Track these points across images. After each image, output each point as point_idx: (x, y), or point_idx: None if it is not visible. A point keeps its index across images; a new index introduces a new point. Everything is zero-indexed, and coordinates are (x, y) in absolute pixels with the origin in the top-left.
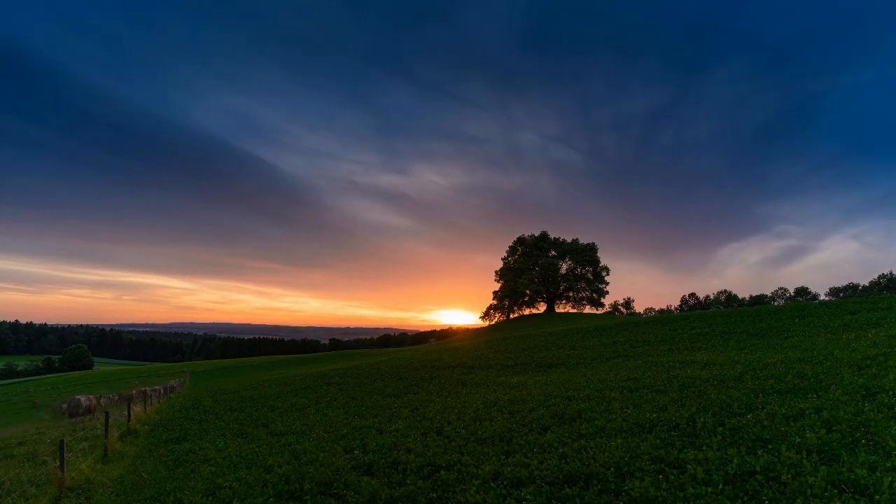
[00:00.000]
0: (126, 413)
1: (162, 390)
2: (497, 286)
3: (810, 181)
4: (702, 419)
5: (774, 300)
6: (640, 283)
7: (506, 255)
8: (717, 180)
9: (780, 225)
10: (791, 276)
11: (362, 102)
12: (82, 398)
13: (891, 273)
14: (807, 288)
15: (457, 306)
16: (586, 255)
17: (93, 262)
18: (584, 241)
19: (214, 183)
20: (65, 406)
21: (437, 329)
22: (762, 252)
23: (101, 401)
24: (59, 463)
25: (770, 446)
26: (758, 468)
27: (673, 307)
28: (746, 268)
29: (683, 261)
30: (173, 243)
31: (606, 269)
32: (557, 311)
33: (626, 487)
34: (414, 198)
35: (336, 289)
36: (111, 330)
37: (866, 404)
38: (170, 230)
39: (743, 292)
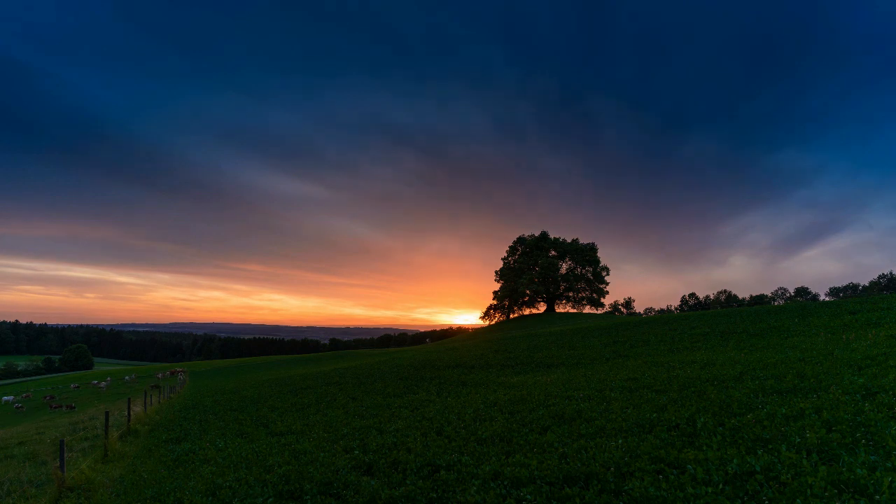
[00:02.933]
0: (126, 413)
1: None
2: (497, 286)
3: (850, 106)
4: (702, 419)
5: (774, 300)
6: (629, 275)
7: (506, 254)
8: (716, 107)
9: (801, 190)
10: (813, 267)
11: None
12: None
13: (891, 273)
14: (807, 288)
15: (437, 305)
16: (586, 255)
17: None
18: (582, 240)
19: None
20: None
21: (438, 329)
22: (776, 232)
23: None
24: (59, 463)
25: (770, 446)
26: (758, 468)
27: (673, 307)
28: (756, 253)
29: (679, 244)
30: (52, 222)
31: (606, 269)
32: (557, 311)
33: (626, 487)
34: (292, 145)
35: (288, 283)
36: (111, 330)
37: (866, 404)
38: (35, 205)
39: (747, 289)
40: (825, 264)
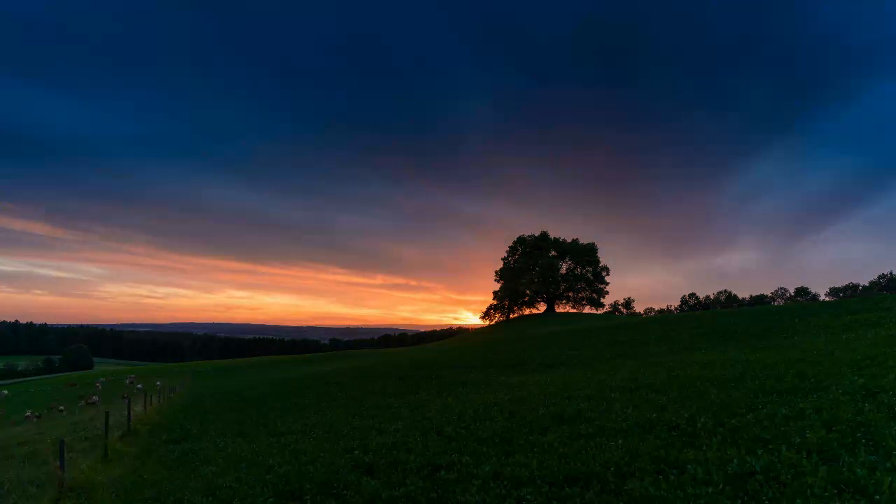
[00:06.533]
0: (126, 413)
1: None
2: (497, 286)
3: None
4: (702, 419)
5: (774, 300)
6: (622, 266)
7: (506, 255)
8: None
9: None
10: (842, 250)
11: None
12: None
13: (891, 273)
14: (807, 288)
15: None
16: (586, 256)
17: None
18: (582, 240)
19: None
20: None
21: (438, 329)
22: (796, 197)
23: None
24: (59, 463)
25: (770, 446)
26: (758, 468)
27: (673, 307)
28: (770, 230)
29: (675, 213)
30: None
31: (606, 269)
32: (557, 311)
33: (626, 487)
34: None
35: (237, 277)
36: (111, 330)
37: (866, 404)
38: None
39: (754, 283)
40: (858, 244)
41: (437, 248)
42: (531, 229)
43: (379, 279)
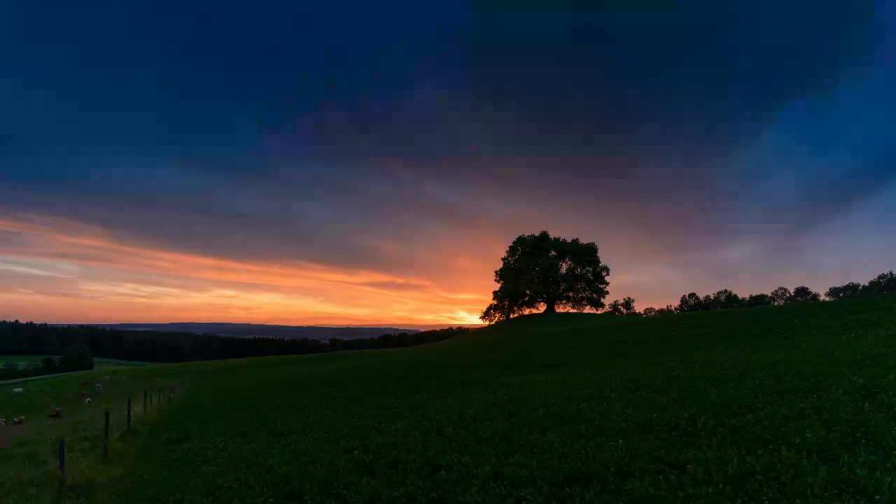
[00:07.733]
0: (126, 413)
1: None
2: (497, 286)
3: None
4: (702, 419)
5: (774, 300)
6: (619, 265)
7: (506, 254)
8: None
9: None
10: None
11: None
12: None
13: (891, 273)
14: (807, 288)
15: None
16: (586, 256)
17: None
18: (582, 238)
19: None
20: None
21: (438, 329)
22: (808, 177)
23: None
24: (59, 463)
25: (770, 446)
26: (758, 468)
27: (673, 307)
28: (774, 223)
29: (672, 203)
30: None
31: (606, 269)
32: (557, 311)
33: (626, 487)
34: None
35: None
36: (111, 330)
37: (866, 404)
38: None
39: (754, 282)
40: (860, 242)
41: (420, 243)
42: (526, 225)
43: (362, 276)
